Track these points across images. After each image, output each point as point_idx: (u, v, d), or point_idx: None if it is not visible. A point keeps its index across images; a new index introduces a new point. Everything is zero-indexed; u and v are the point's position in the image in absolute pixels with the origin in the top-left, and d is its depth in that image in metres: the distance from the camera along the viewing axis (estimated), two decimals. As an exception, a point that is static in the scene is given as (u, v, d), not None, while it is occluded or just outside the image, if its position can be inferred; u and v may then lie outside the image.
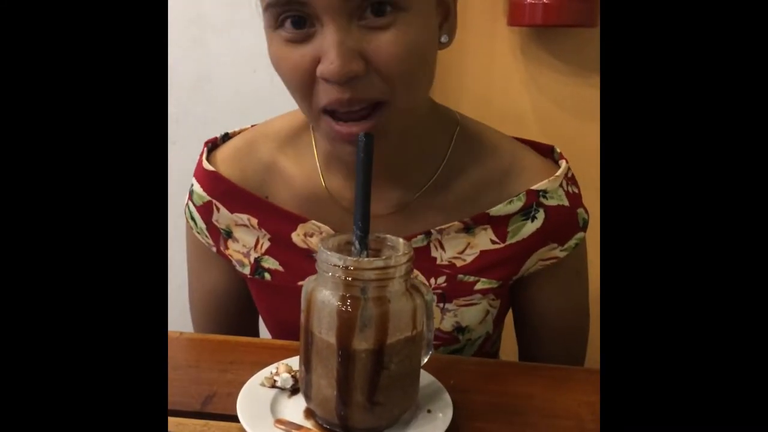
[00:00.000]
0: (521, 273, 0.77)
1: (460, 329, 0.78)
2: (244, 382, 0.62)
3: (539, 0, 1.42)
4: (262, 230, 0.78)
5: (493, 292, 0.77)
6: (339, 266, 0.53)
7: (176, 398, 0.63)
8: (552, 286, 0.80)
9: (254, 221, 0.78)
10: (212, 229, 0.81)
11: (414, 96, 0.64)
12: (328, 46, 0.59)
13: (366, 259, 0.55)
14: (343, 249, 0.57)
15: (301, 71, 0.62)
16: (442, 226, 0.74)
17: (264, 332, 0.91)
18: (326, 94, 0.61)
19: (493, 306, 0.78)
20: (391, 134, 0.64)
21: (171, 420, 0.59)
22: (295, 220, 0.77)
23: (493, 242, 0.75)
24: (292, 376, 0.63)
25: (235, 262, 0.81)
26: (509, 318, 0.87)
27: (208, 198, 0.79)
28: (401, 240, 0.58)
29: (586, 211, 0.79)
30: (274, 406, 0.60)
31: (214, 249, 0.82)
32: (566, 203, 0.75)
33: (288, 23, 0.61)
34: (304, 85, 0.62)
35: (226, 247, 0.81)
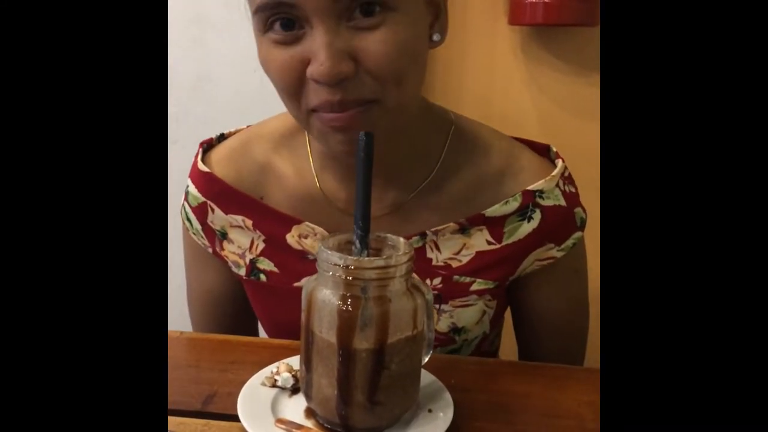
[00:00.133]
0: (518, 273, 0.77)
1: (456, 330, 0.77)
2: (244, 382, 0.62)
3: (540, -1, 1.42)
4: (257, 231, 0.78)
5: (489, 292, 0.77)
6: (339, 265, 0.53)
7: (177, 398, 0.63)
8: (550, 286, 0.79)
9: (249, 222, 0.78)
10: (207, 230, 0.81)
11: (404, 95, 0.64)
12: (317, 47, 0.59)
13: (366, 258, 0.55)
14: (344, 248, 0.57)
15: (291, 72, 0.62)
16: (438, 227, 0.74)
17: (263, 333, 0.91)
18: (316, 96, 0.61)
19: (489, 306, 0.78)
20: (381, 132, 0.63)
21: (172, 419, 0.59)
22: (290, 222, 0.77)
23: (489, 243, 0.75)
24: (293, 376, 0.63)
25: (230, 263, 0.81)
26: (509, 317, 0.87)
27: (203, 199, 0.79)
28: (402, 239, 0.58)
29: (584, 211, 0.78)
30: (274, 406, 0.60)
31: (210, 250, 0.82)
32: (563, 203, 0.75)
33: (277, 25, 0.61)
34: (293, 86, 0.62)
35: (222, 248, 0.81)
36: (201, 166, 0.79)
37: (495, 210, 0.74)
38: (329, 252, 0.54)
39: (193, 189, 0.79)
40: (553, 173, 0.75)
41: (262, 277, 0.79)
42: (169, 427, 0.58)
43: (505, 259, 0.75)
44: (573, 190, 0.77)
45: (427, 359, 0.60)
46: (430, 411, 0.60)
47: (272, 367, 0.64)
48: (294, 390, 0.62)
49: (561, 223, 0.75)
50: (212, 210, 0.79)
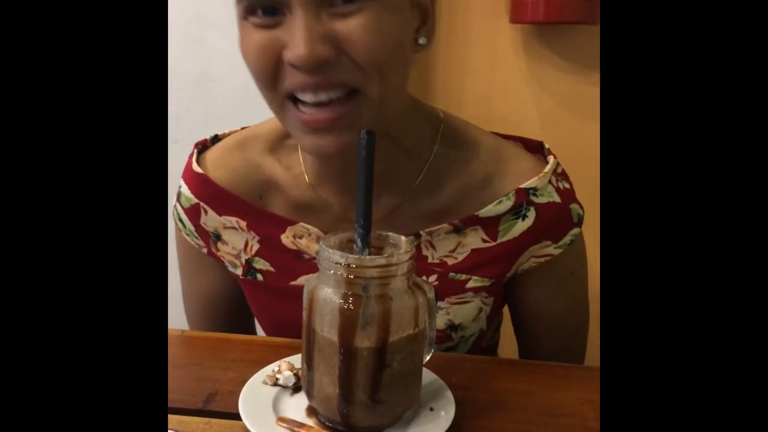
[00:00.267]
0: (514, 270, 0.77)
1: (453, 327, 0.77)
2: (246, 380, 0.63)
3: (541, -3, 1.42)
4: (251, 232, 0.78)
5: (485, 290, 0.76)
6: (341, 264, 0.53)
7: (178, 396, 0.63)
8: (548, 284, 0.79)
9: (243, 224, 0.78)
10: (201, 231, 0.80)
11: (387, 87, 0.63)
12: (296, 31, 0.59)
13: (368, 257, 0.55)
14: (345, 247, 0.57)
15: (268, 54, 0.62)
16: (432, 228, 0.74)
17: (262, 333, 0.90)
18: (292, 78, 0.61)
19: (486, 304, 0.78)
20: (361, 125, 0.63)
21: (173, 418, 0.59)
22: (284, 223, 0.76)
23: (484, 241, 0.75)
24: (294, 374, 0.63)
25: (227, 263, 0.81)
26: (509, 316, 0.87)
27: (196, 200, 0.79)
28: (403, 238, 0.58)
29: (581, 207, 0.77)
30: (276, 404, 0.60)
31: (205, 250, 0.82)
32: (557, 199, 0.74)
33: (259, 11, 0.62)
34: (269, 69, 0.62)
35: (217, 249, 0.81)
36: (195, 167, 0.78)
37: (488, 210, 0.73)
38: (331, 250, 0.54)
39: (185, 190, 0.79)
40: (545, 170, 0.74)
41: (259, 276, 0.79)
42: (171, 426, 0.58)
43: (500, 256, 0.75)
44: (567, 186, 0.77)
45: (428, 357, 0.60)
46: (431, 409, 0.60)
47: (274, 366, 0.64)
48: (295, 388, 0.62)
49: (556, 219, 0.75)
50: (205, 212, 0.79)
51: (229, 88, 1.43)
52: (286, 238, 0.77)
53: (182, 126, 1.42)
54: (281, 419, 0.58)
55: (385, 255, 0.56)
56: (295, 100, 0.63)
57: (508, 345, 0.94)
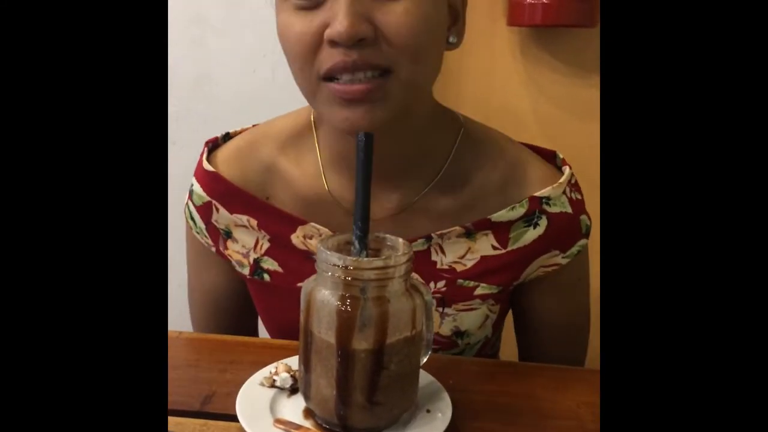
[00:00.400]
0: (522, 279, 0.77)
1: (459, 334, 0.77)
2: (243, 382, 0.62)
3: (539, 0, 1.42)
4: (262, 231, 0.78)
5: (492, 297, 0.77)
6: (338, 266, 0.53)
7: (176, 398, 0.63)
8: (553, 292, 0.79)
9: (254, 222, 0.78)
10: (212, 230, 0.81)
11: (418, 71, 0.64)
12: (338, 8, 0.60)
13: (365, 258, 0.55)
14: (343, 249, 0.57)
15: (308, 36, 0.62)
16: (443, 231, 0.74)
17: (263, 332, 0.91)
18: (330, 57, 0.62)
19: (492, 311, 0.78)
20: (391, 105, 0.63)
21: (170, 419, 0.59)
22: (295, 222, 0.76)
23: (494, 248, 0.75)
24: (292, 376, 0.63)
25: (234, 263, 0.81)
26: (509, 320, 0.87)
27: (208, 198, 0.79)
28: (401, 240, 0.58)
29: (589, 218, 0.78)
30: (273, 406, 0.60)
31: (214, 249, 0.82)
32: (569, 210, 0.75)
33: None
34: (308, 51, 0.63)
35: (226, 248, 0.81)
36: (206, 165, 0.78)
37: (501, 215, 0.74)
38: (328, 252, 0.54)
39: (197, 188, 0.79)
40: (561, 180, 0.75)
41: (266, 276, 0.79)
42: (168, 427, 0.58)
43: (509, 264, 0.75)
44: (579, 197, 0.77)
45: (425, 360, 0.60)
46: (428, 411, 0.60)
47: (271, 368, 0.64)
48: (293, 390, 0.62)
49: (566, 230, 0.75)
50: (217, 209, 0.79)
51: (229, 88, 1.43)
52: (296, 238, 0.77)
53: (182, 126, 1.42)
54: (278, 421, 0.58)
55: (383, 257, 0.56)
56: (330, 80, 0.64)
57: (506, 347, 0.94)
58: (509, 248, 0.75)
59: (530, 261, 0.76)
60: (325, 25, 0.61)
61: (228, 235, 0.80)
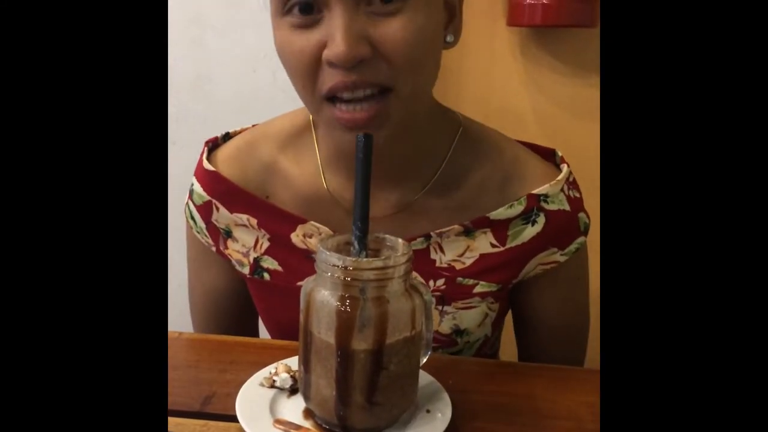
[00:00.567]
0: (521, 277, 0.77)
1: (458, 332, 0.78)
2: (243, 382, 0.62)
3: (538, 0, 1.42)
4: (262, 230, 0.78)
5: (492, 295, 0.77)
6: (338, 266, 0.53)
7: (176, 398, 0.63)
8: (552, 290, 0.79)
9: (254, 221, 0.78)
10: (212, 229, 0.81)
11: (418, 85, 0.64)
12: (334, 29, 0.59)
13: (365, 259, 0.55)
14: (343, 249, 0.57)
15: (307, 56, 0.62)
16: (442, 229, 0.74)
17: (264, 332, 0.91)
18: (331, 78, 0.62)
19: (491, 309, 0.78)
20: (392, 123, 0.63)
21: (170, 420, 0.59)
22: (295, 221, 0.77)
23: (493, 246, 0.75)
24: (291, 376, 0.63)
25: (234, 262, 0.81)
26: (509, 320, 0.87)
27: (208, 198, 0.79)
28: (400, 240, 0.58)
29: (588, 216, 0.78)
30: (273, 406, 0.60)
31: (214, 249, 0.82)
32: (567, 208, 0.75)
33: (295, 9, 0.62)
34: (308, 70, 0.63)
35: (226, 247, 0.81)
36: (206, 164, 0.79)
37: (500, 213, 0.74)
38: (328, 253, 0.54)
39: (198, 187, 0.79)
40: (559, 178, 0.75)
41: (266, 275, 0.79)
42: (168, 428, 0.58)
43: (508, 262, 0.75)
44: (577, 195, 0.78)
45: (425, 360, 0.60)
46: (428, 411, 0.60)
47: (271, 368, 0.64)
48: (292, 390, 0.62)
49: (565, 227, 0.76)
50: (217, 209, 0.79)
51: (228, 89, 1.43)
52: (296, 237, 0.77)
53: (181, 127, 1.42)
54: (278, 421, 0.58)
55: (382, 257, 0.56)
56: (333, 99, 0.64)
57: (506, 347, 0.94)
58: (508, 246, 0.75)
59: (529, 258, 0.76)
60: (323, 44, 0.61)
61: (228, 234, 0.80)
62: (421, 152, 0.74)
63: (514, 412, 0.63)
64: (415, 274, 0.74)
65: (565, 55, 1.54)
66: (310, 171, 0.77)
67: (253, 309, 0.86)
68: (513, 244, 0.75)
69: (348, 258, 0.53)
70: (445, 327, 0.77)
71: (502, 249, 0.75)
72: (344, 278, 0.53)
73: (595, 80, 1.52)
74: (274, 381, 0.62)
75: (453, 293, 0.76)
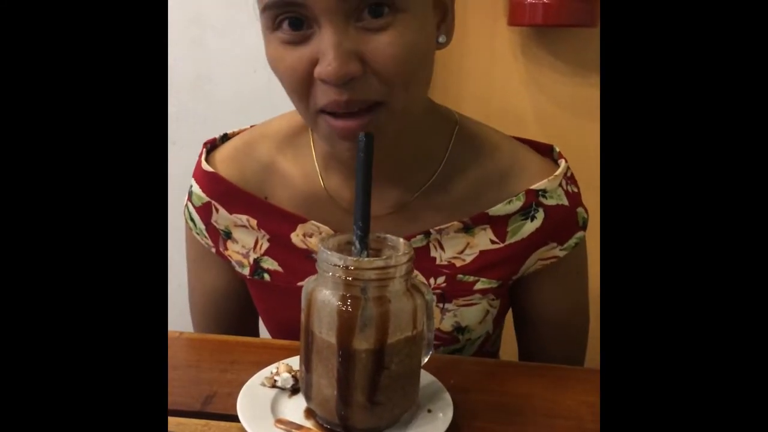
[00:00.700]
0: (521, 273, 0.77)
1: (459, 329, 0.78)
2: (244, 382, 0.62)
3: (539, 0, 1.42)
4: (262, 231, 0.78)
5: (492, 292, 0.77)
6: (339, 266, 0.53)
7: (176, 398, 0.63)
8: (552, 286, 0.80)
9: (253, 222, 0.78)
10: (211, 230, 0.81)
11: (412, 97, 0.64)
12: (325, 47, 0.59)
13: (366, 258, 0.55)
14: (344, 249, 0.57)
15: (299, 72, 0.62)
16: (441, 226, 0.74)
17: (264, 332, 0.91)
18: (324, 96, 0.61)
19: (492, 306, 0.78)
20: (387, 134, 0.64)
21: (171, 420, 0.59)
22: (295, 221, 0.77)
23: (493, 242, 0.75)
24: (293, 376, 0.63)
25: (234, 263, 0.81)
26: (509, 318, 0.87)
27: (207, 199, 0.79)
28: (401, 240, 0.58)
29: (586, 211, 0.79)
30: (274, 406, 0.60)
31: (213, 250, 0.82)
32: (566, 203, 0.75)
33: (285, 25, 0.61)
34: (301, 86, 0.62)
35: (226, 248, 0.81)
36: (205, 165, 0.79)
37: (498, 209, 0.74)
38: (329, 252, 0.54)
39: (197, 189, 0.79)
40: (557, 173, 0.75)
41: (266, 276, 0.79)
42: (169, 428, 0.58)
43: (508, 258, 0.76)
44: (575, 189, 0.78)
45: (426, 359, 0.60)
46: (429, 411, 0.60)
47: (272, 368, 0.64)
48: (294, 390, 0.62)
49: (563, 222, 0.76)
50: (216, 210, 0.79)
51: (228, 89, 1.43)
52: (296, 237, 0.77)
53: (181, 127, 1.42)
54: (279, 421, 0.58)
55: (384, 257, 0.56)
56: (327, 111, 0.64)
57: (507, 347, 0.94)
58: (507, 242, 0.75)
59: (528, 254, 0.76)
60: (314, 61, 0.60)
61: (228, 235, 0.80)
62: (418, 152, 0.74)
63: (515, 411, 0.63)
64: (415, 272, 0.74)
65: (565, 54, 1.54)
66: (308, 171, 0.77)
67: (254, 309, 0.86)
68: (512, 240, 0.75)
69: (349, 258, 0.53)
70: (447, 325, 0.77)
71: (501, 245, 0.75)
72: (345, 278, 0.53)
73: (596, 80, 1.52)
74: (275, 381, 0.62)
75: (453, 290, 0.76)
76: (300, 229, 0.77)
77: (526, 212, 0.74)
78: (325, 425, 0.58)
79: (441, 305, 0.76)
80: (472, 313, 0.77)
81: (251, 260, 0.80)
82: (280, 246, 0.78)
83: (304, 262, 0.77)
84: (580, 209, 0.77)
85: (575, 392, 0.66)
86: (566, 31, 1.52)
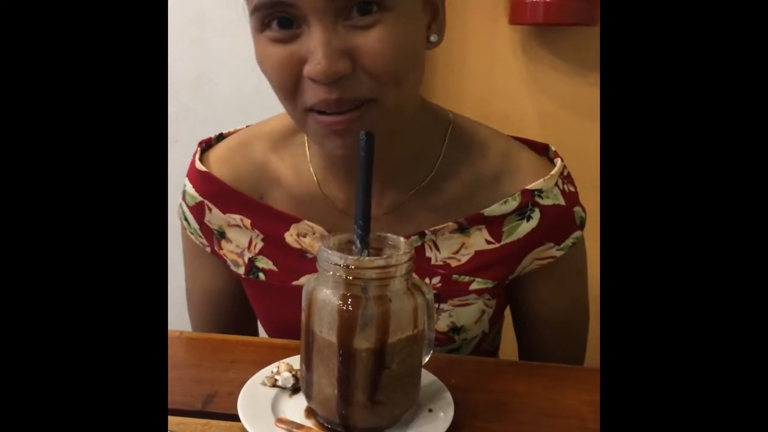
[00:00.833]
0: (517, 273, 0.77)
1: (455, 329, 0.77)
2: (245, 382, 0.62)
3: (540, -1, 1.43)
4: (255, 231, 0.78)
5: (488, 292, 0.77)
6: (340, 265, 0.53)
7: (177, 398, 0.63)
8: (550, 286, 0.79)
9: (247, 222, 0.78)
10: (205, 230, 0.81)
11: (402, 94, 0.64)
12: (314, 46, 0.59)
13: (367, 258, 0.55)
14: (344, 248, 0.56)
15: (287, 70, 0.62)
16: (437, 227, 0.74)
17: (263, 334, 0.91)
18: (314, 94, 0.61)
19: (488, 306, 0.78)
20: (378, 132, 0.63)
21: (172, 419, 0.59)
22: (288, 221, 0.77)
23: (488, 242, 0.75)
24: (293, 376, 0.63)
25: (229, 262, 0.81)
26: (509, 317, 0.87)
27: (200, 198, 0.79)
28: (402, 239, 0.58)
29: (584, 210, 0.78)
30: (275, 406, 0.60)
31: (209, 249, 0.82)
32: (562, 202, 0.75)
33: (274, 24, 0.61)
34: (289, 84, 0.62)
35: (220, 248, 0.81)
36: (199, 165, 0.79)
37: (494, 209, 0.74)
38: (330, 251, 0.54)
39: (190, 188, 0.79)
40: (552, 172, 0.75)
41: (261, 275, 0.79)
42: (170, 427, 0.58)
43: (504, 258, 0.75)
44: (572, 189, 0.77)
45: (427, 359, 0.60)
46: (430, 410, 0.60)
47: (272, 367, 0.64)
48: (294, 390, 0.62)
49: (560, 222, 0.75)
50: (209, 209, 0.79)
51: (228, 88, 1.43)
52: (290, 236, 0.77)
53: (181, 126, 1.42)
54: (280, 420, 0.58)
55: (384, 256, 0.56)
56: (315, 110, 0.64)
57: (507, 346, 0.94)
58: (503, 242, 0.75)
59: (524, 254, 0.75)
60: (303, 59, 0.60)
61: (221, 235, 0.80)
62: (412, 152, 0.74)
63: (516, 411, 0.63)
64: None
65: (566, 53, 1.54)
66: (302, 171, 0.77)
67: (252, 311, 0.86)
68: (508, 240, 0.75)
69: (350, 257, 0.53)
70: (442, 325, 0.77)
71: (497, 245, 0.75)
72: (346, 277, 0.53)
73: (597, 78, 1.52)
74: (275, 380, 0.62)
75: (449, 291, 0.76)
76: (294, 229, 0.77)
77: (521, 212, 0.74)
78: (325, 424, 0.58)
79: (436, 305, 0.76)
80: (467, 313, 0.77)
81: (246, 260, 0.80)
82: (274, 246, 0.78)
83: (298, 262, 0.77)
84: (577, 209, 0.77)
85: (577, 391, 0.66)
86: (567, 29, 1.52)
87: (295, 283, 0.78)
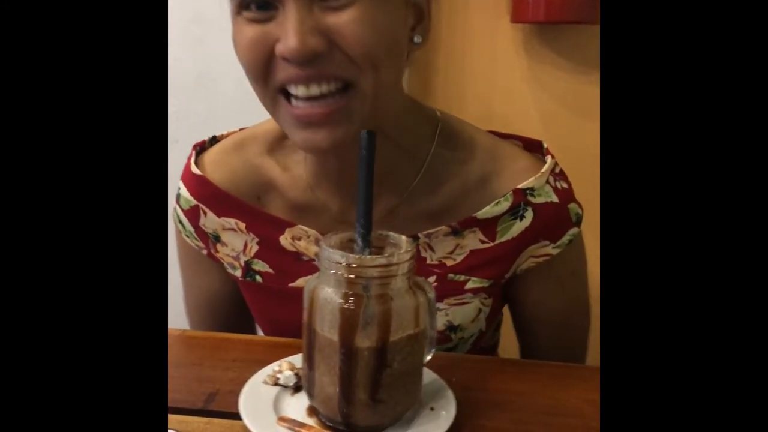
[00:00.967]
0: (513, 271, 0.77)
1: (452, 328, 0.77)
2: (246, 380, 0.63)
3: (541, -3, 1.42)
4: (250, 234, 0.78)
5: (484, 291, 0.76)
6: (342, 264, 0.53)
7: (179, 396, 0.63)
8: (546, 285, 0.79)
9: (242, 225, 0.78)
10: (200, 232, 0.80)
11: (379, 80, 0.63)
12: (288, 24, 0.59)
13: (369, 256, 0.55)
14: (346, 246, 0.56)
15: (260, 47, 0.62)
16: (430, 231, 0.74)
17: (261, 334, 0.90)
18: (284, 71, 0.61)
19: (485, 304, 0.77)
20: (354, 121, 0.63)
21: (173, 418, 0.59)
22: (283, 225, 0.76)
23: (483, 242, 0.75)
24: (295, 374, 0.63)
25: (226, 265, 0.81)
26: (509, 317, 0.87)
27: (195, 202, 0.79)
28: (404, 237, 0.58)
29: (580, 206, 0.77)
30: (276, 404, 0.60)
31: (205, 252, 0.82)
32: (555, 199, 0.74)
33: (252, 6, 0.62)
34: (260, 62, 0.62)
35: (216, 251, 0.81)
36: (194, 168, 0.78)
37: (486, 212, 0.73)
38: (331, 250, 0.54)
39: (184, 192, 0.79)
40: (543, 170, 0.74)
41: (258, 278, 0.79)
42: (171, 426, 0.58)
43: (499, 257, 0.75)
44: (565, 185, 0.76)
45: (429, 357, 0.60)
46: (432, 409, 0.60)
47: (274, 366, 0.64)
48: (296, 388, 0.62)
49: (554, 219, 0.75)
50: (204, 213, 0.79)
51: (229, 88, 1.43)
52: (285, 240, 0.77)
53: (182, 126, 1.42)
54: (282, 419, 0.58)
55: (386, 255, 0.56)
56: (287, 95, 0.63)
57: (508, 345, 0.94)
58: (497, 241, 0.74)
59: (519, 252, 0.75)
60: (276, 38, 0.60)
61: (216, 239, 0.80)
62: (401, 152, 0.73)
63: (518, 409, 0.63)
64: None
65: (568, 51, 1.54)
66: (296, 174, 0.77)
67: (249, 311, 0.86)
68: (502, 240, 0.74)
69: (351, 255, 0.53)
70: (439, 323, 0.76)
71: (491, 244, 0.74)
72: (348, 275, 0.53)
73: (598, 77, 1.51)
74: (277, 379, 0.62)
75: (445, 290, 0.75)
76: (288, 233, 0.76)
77: (514, 212, 0.73)
78: (327, 423, 0.58)
79: None
80: (464, 312, 0.77)
81: (242, 263, 0.80)
82: (269, 249, 0.78)
83: (294, 264, 0.77)
84: (572, 205, 0.76)
85: (578, 390, 0.66)
86: (569, 27, 1.52)
87: (291, 285, 0.78)
